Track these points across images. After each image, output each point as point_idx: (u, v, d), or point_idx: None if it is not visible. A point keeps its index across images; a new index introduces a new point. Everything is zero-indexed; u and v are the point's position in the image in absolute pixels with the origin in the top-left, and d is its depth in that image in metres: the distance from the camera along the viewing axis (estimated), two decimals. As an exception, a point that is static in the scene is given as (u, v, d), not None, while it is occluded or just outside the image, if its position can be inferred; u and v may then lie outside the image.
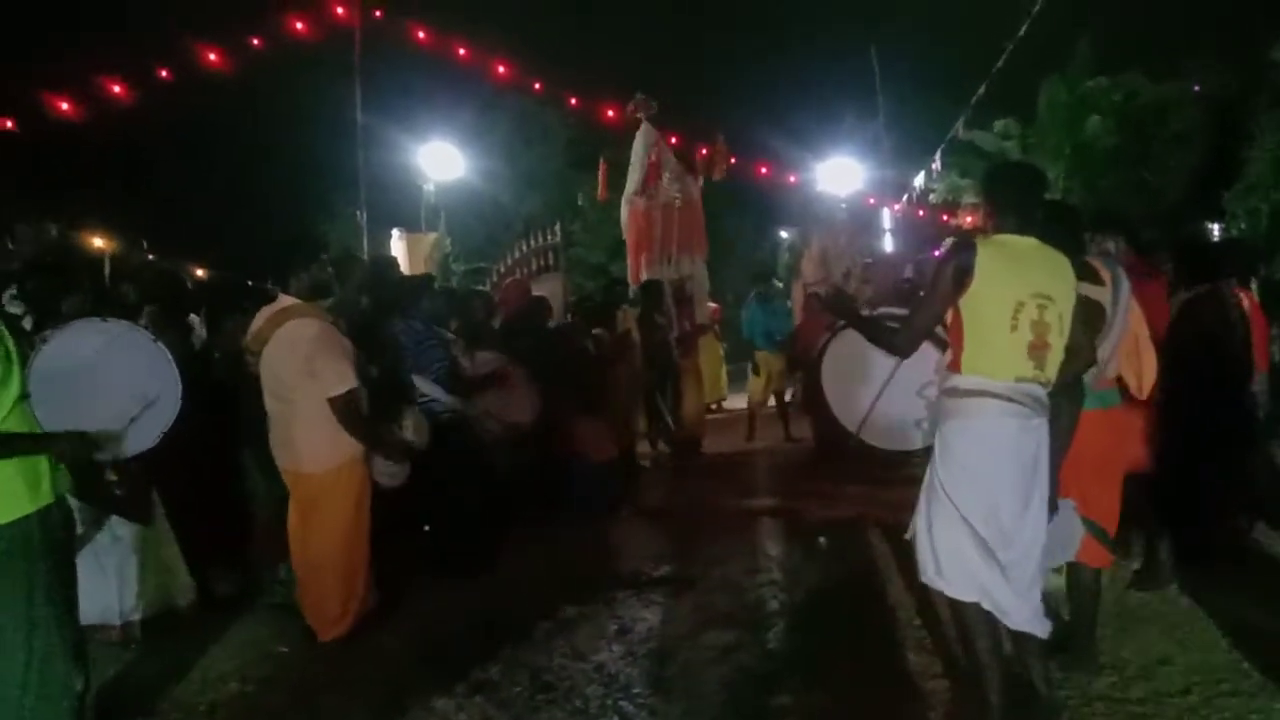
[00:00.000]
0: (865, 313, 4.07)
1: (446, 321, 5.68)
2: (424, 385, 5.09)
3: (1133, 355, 3.62)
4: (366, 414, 4.27)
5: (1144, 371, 3.68)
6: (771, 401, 10.41)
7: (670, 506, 7.14)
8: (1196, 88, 20.01)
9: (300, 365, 4.06)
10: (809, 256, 12.56)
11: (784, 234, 28.00)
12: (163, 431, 3.12)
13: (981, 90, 17.02)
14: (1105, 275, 3.44)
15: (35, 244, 4.93)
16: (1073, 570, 3.53)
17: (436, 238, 14.06)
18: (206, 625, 4.49)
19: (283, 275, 4.27)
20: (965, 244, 2.97)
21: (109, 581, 4.22)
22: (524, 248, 11.80)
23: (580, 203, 14.10)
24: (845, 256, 11.97)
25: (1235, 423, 4.63)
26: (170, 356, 3.15)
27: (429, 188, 20.55)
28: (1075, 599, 3.55)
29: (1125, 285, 3.47)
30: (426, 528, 5.07)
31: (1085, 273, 3.24)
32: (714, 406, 12.48)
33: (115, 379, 3.05)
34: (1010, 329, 2.89)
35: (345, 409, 4.09)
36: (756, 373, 10.47)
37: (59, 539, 2.89)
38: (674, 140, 12.14)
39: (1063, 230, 3.23)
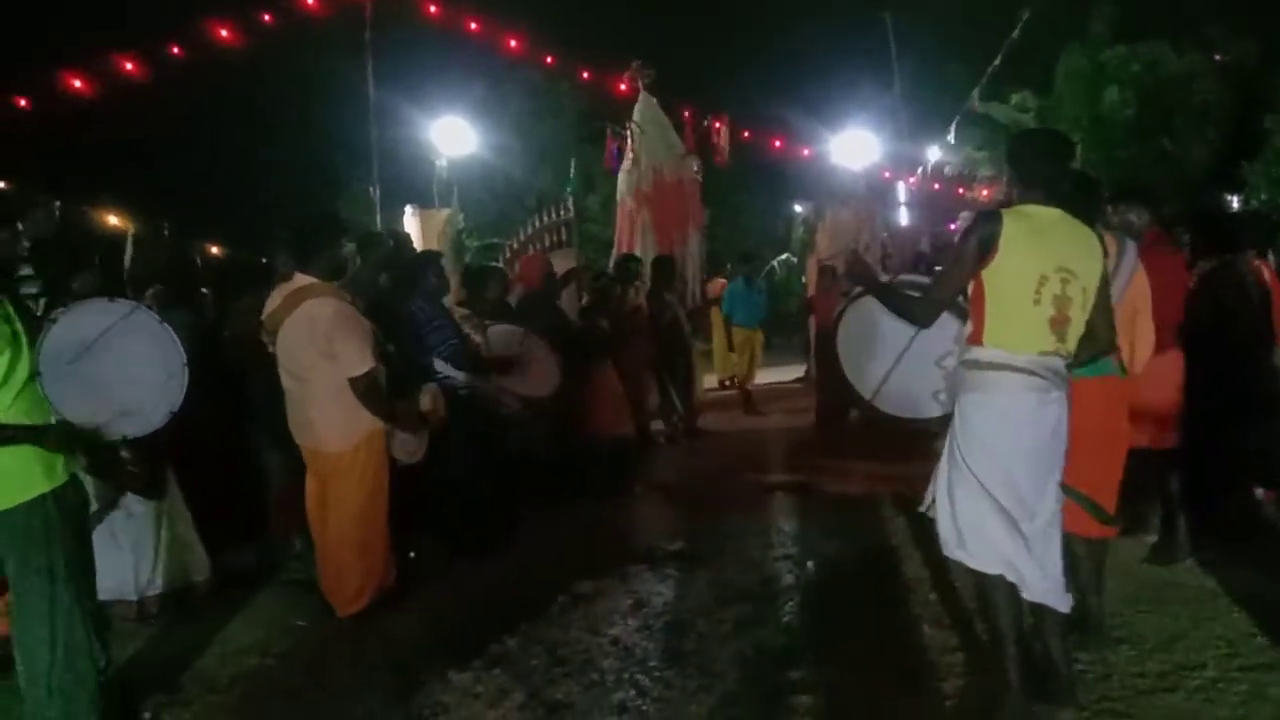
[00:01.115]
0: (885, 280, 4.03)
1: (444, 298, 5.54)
2: (440, 365, 5.07)
3: (1127, 325, 3.57)
4: (386, 392, 4.27)
5: (1138, 343, 3.65)
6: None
7: (684, 483, 7.15)
8: (1218, 57, 19.67)
9: (319, 346, 4.06)
10: (823, 230, 12.42)
11: (798, 208, 27.79)
12: (171, 411, 3.14)
13: (997, 61, 16.79)
14: (1112, 247, 3.41)
15: (47, 223, 4.94)
16: (1066, 541, 3.49)
17: (449, 214, 13.96)
18: (225, 601, 4.54)
19: (303, 255, 4.26)
20: (990, 215, 2.93)
21: (125, 557, 4.27)
22: (536, 223, 11.75)
23: (572, 175, 13.96)
24: (864, 230, 11.86)
25: (1253, 395, 4.60)
26: (175, 336, 3.16)
27: (441, 163, 20.45)
28: (1073, 570, 3.52)
29: (1129, 258, 3.45)
30: (412, 554, 4.93)
31: None
32: (727, 383, 12.44)
33: (122, 359, 3.07)
34: (1033, 303, 2.86)
35: (367, 389, 4.10)
36: (731, 349, 10.71)
37: (75, 517, 2.93)
38: (685, 114, 12.09)
39: (1082, 201, 3.19)
